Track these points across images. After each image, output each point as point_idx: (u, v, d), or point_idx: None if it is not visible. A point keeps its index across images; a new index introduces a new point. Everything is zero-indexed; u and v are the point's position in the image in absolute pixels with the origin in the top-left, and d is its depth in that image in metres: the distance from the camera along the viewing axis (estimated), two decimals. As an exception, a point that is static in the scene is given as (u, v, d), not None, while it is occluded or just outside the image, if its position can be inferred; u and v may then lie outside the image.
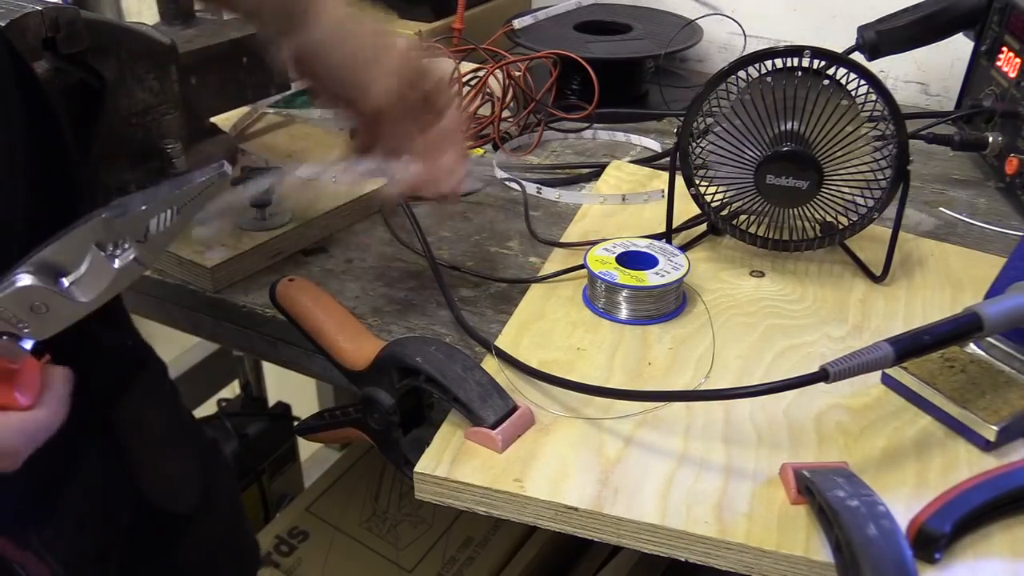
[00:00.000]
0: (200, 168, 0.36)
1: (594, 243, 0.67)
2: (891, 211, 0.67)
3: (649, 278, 0.62)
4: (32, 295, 0.34)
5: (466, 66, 0.94)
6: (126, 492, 0.60)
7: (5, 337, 0.35)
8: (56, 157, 0.52)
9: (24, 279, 0.34)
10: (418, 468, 0.51)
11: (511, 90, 0.94)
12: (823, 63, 0.64)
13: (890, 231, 0.67)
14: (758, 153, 0.65)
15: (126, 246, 0.35)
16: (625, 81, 1.06)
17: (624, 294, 0.63)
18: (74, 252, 0.34)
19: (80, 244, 0.34)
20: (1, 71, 0.47)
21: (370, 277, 0.71)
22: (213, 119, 0.84)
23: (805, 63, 0.64)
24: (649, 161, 0.88)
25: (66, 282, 0.35)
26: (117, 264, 0.35)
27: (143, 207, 0.35)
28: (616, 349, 0.60)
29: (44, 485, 0.53)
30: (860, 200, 0.66)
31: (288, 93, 0.93)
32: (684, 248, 0.69)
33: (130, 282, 0.35)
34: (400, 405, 0.57)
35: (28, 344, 0.36)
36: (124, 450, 0.60)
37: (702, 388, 0.57)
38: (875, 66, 0.76)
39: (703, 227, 0.73)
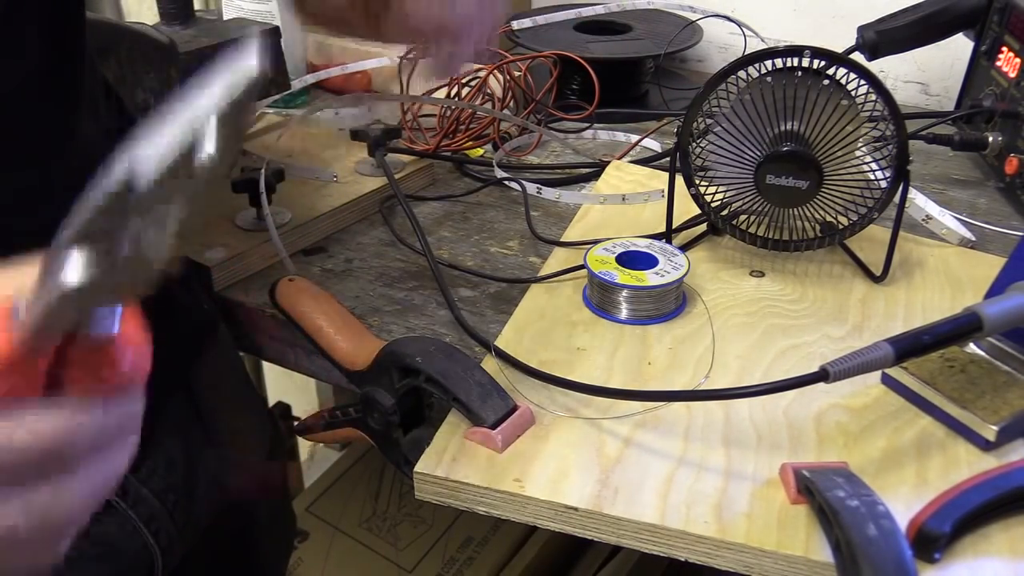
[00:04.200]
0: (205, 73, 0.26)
1: (594, 243, 0.67)
2: (891, 211, 0.67)
3: (649, 278, 0.62)
4: (91, 285, 0.27)
5: (467, 66, 0.94)
6: (204, 442, 0.65)
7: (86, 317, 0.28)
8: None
9: (73, 273, 0.26)
10: (418, 468, 0.51)
11: (511, 90, 0.94)
12: (823, 63, 0.64)
13: (890, 231, 0.67)
14: (758, 153, 0.65)
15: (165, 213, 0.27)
16: (625, 81, 1.06)
17: (624, 294, 0.63)
18: (111, 222, 0.27)
19: (112, 217, 0.27)
20: None
21: (370, 277, 0.71)
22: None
23: (805, 63, 0.64)
24: (649, 161, 0.88)
25: (125, 248, 0.27)
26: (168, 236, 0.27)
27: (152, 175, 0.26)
28: (616, 349, 0.60)
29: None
30: (860, 200, 0.66)
31: (288, 93, 0.93)
32: (684, 248, 0.69)
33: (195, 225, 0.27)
34: (400, 405, 0.57)
35: (112, 313, 0.29)
36: (200, 405, 0.66)
37: (702, 388, 0.57)
38: (875, 66, 0.76)
39: (703, 227, 0.73)
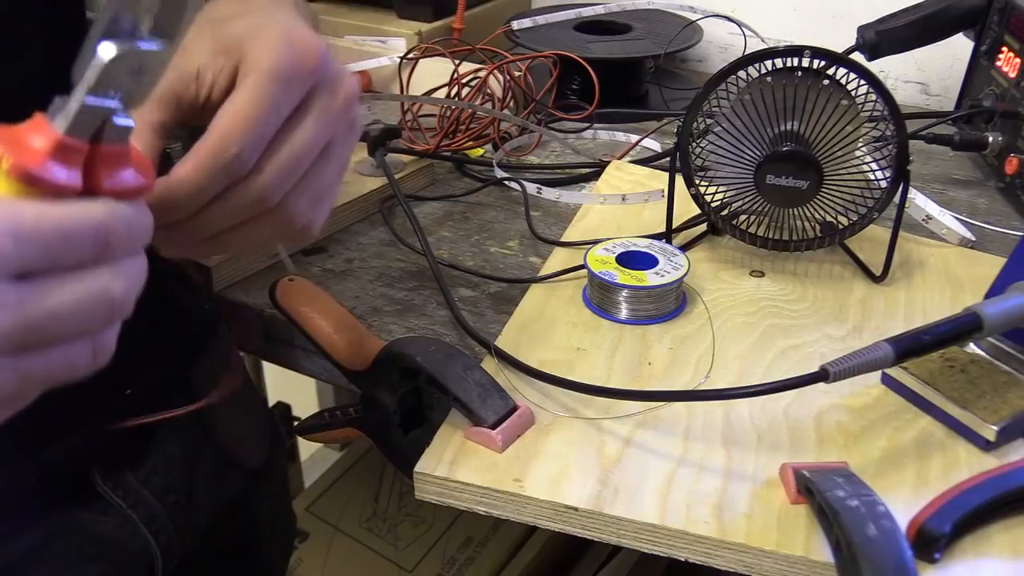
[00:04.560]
0: None
1: (594, 243, 0.67)
2: (891, 211, 0.67)
3: (649, 278, 0.62)
4: (120, 64, 0.30)
5: (467, 66, 0.94)
6: (204, 442, 0.66)
7: (109, 121, 0.31)
8: None
9: (106, 50, 0.29)
10: (418, 468, 0.51)
11: (511, 90, 0.94)
12: (823, 63, 0.64)
13: (890, 231, 0.67)
14: (758, 153, 0.65)
15: None
16: (625, 81, 1.06)
17: (624, 294, 0.63)
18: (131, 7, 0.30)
19: None
20: None
21: (370, 277, 0.71)
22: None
23: (805, 63, 0.64)
24: (649, 161, 0.88)
25: (145, 30, 0.30)
26: None
27: None
28: (616, 349, 0.60)
29: (137, 430, 0.59)
30: (860, 200, 0.66)
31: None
32: (684, 248, 0.69)
33: None
34: (400, 405, 0.57)
35: (129, 121, 0.32)
36: (200, 405, 0.66)
37: (702, 388, 0.57)
38: (875, 66, 0.76)
39: (703, 227, 0.73)
